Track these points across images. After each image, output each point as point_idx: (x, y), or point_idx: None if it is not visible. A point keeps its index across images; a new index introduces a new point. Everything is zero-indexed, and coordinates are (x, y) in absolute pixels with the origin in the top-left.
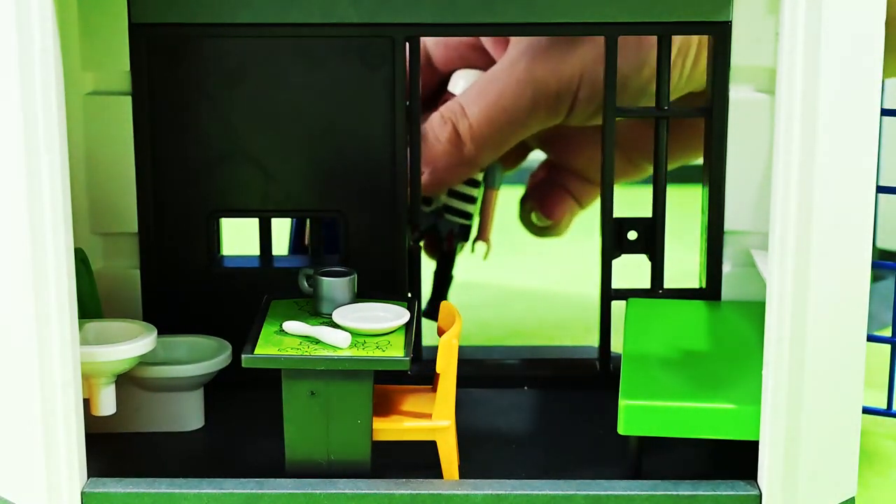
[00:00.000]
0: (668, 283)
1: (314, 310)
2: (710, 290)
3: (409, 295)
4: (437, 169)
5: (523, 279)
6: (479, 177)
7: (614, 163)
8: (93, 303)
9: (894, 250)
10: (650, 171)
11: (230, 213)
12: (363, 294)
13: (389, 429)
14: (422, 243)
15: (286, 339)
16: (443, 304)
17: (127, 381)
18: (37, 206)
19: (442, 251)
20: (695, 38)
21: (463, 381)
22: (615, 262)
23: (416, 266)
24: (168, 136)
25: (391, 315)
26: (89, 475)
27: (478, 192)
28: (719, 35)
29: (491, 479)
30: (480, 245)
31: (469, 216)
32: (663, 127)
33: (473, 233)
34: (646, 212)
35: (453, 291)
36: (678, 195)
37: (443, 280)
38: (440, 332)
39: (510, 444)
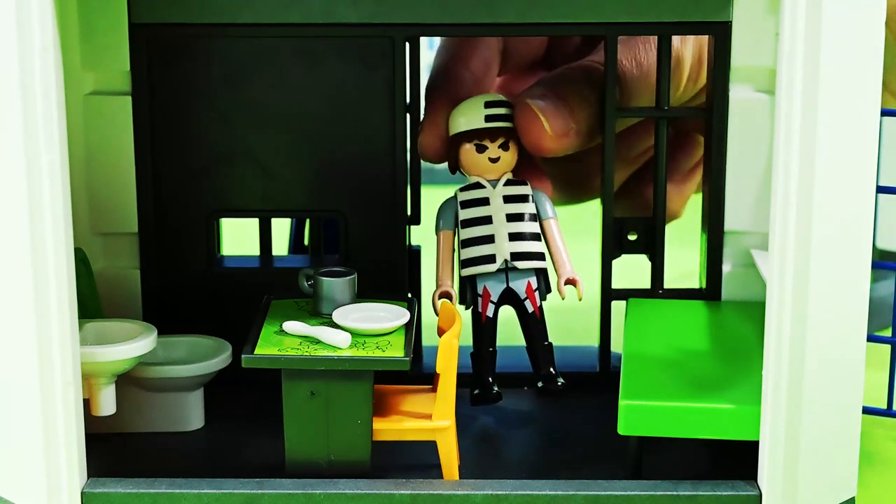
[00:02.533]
0: (668, 283)
1: (314, 310)
2: (710, 290)
3: (409, 295)
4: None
5: None
6: (531, 209)
7: (614, 164)
8: (93, 303)
9: (894, 250)
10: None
11: (230, 213)
12: (363, 294)
13: (389, 429)
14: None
15: (286, 339)
16: (443, 304)
17: (127, 381)
18: (37, 206)
19: (526, 315)
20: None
21: (463, 382)
22: (615, 262)
23: (416, 266)
24: (168, 136)
25: (391, 315)
26: (89, 475)
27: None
28: (719, 35)
29: (491, 479)
30: (569, 288)
31: (543, 256)
32: (663, 127)
33: (552, 275)
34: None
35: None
36: None
37: (538, 349)
38: (440, 332)
39: (510, 444)
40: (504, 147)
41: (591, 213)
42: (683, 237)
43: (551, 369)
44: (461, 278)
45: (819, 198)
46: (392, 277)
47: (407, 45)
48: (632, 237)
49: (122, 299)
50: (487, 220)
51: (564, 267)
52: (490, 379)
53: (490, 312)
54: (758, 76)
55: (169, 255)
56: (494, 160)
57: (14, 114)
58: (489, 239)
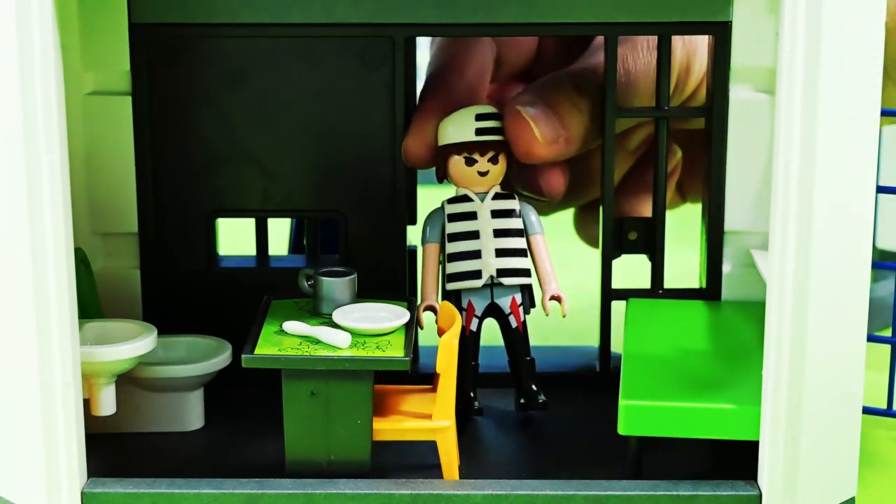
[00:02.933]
0: (668, 283)
1: (314, 310)
2: (710, 290)
3: (409, 295)
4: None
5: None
6: (518, 224)
7: (615, 163)
8: (93, 303)
9: (894, 250)
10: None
11: (230, 214)
12: (363, 294)
13: (389, 429)
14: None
15: (286, 339)
16: (443, 304)
17: (127, 381)
18: (37, 206)
19: (510, 329)
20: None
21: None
22: (615, 262)
23: (413, 266)
24: (168, 136)
25: (391, 315)
26: (89, 475)
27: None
28: (719, 35)
29: (491, 479)
30: (552, 304)
31: (528, 272)
32: (663, 127)
33: (538, 292)
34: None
35: None
36: None
37: (520, 364)
38: (440, 333)
39: (510, 443)
40: (493, 160)
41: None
42: (683, 237)
43: (533, 386)
44: (445, 292)
45: (819, 198)
46: (392, 277)
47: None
48: (632, 237)
49: (122, 299)
50: (475, 234)
51: (550, 284)
52: (472, 394)
53: (474, 327)
54: (758, 76)
55: (169, 255)
56: (483, 173)
57: (14, 114)
58: (476, 254)
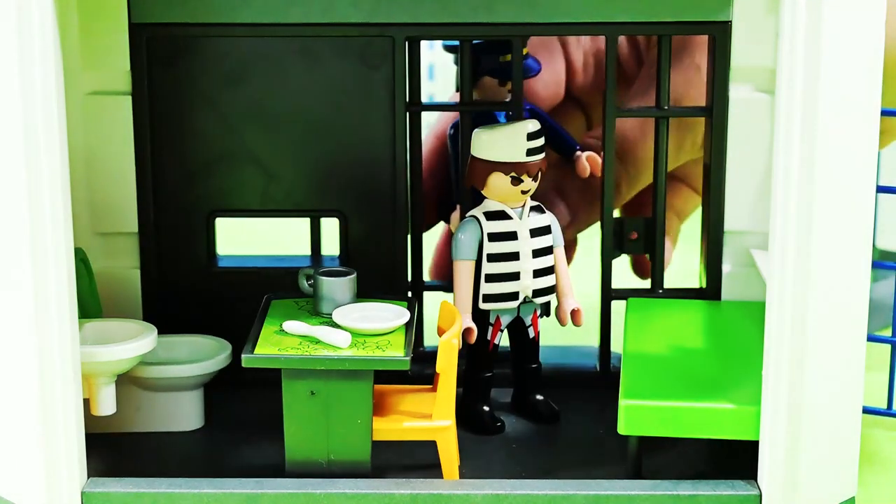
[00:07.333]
0: (668, 283)
1: (314, 310)
2: (710, 290)
3: (409, 295)
4: None
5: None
6: (551, 240)
7: (614, 163)
8: (93, 303)
9: (894, 250)
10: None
11: (230, 213)
12: (363, 294)
13: (389, 429)
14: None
15: (286, 339)
16: (443, 303)
17: (127, 381)
18: (37, 206)
19: (527, 339)
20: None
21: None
22: (615, 262)
23: (416, 266)
24: (168, 136)
25: (391, 315)
26: (89, 475)
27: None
28: (719, 35)
29: (491, 479)
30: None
31: (555, 289)
32: (663, 127)
33: (553, 301)
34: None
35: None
36: None
37: (528, 371)
38: (440, 332)
39: (510, 444)
40: (536, 178)
41: None
42: (683, 237)
43: (539, 396)
44: (474, 307)
45: (819, 198)
46: (392, 277)
47: (406, 44)
48: (632, 237)
49: (122, 299)
50: (515, 256)
51: (569, 298)
52: (487, 407)
53: (497, 340)
54: (758, 76)
55: (169, 255)
56: (525, 191)
57: (14, 114)
58: (514, 276)
